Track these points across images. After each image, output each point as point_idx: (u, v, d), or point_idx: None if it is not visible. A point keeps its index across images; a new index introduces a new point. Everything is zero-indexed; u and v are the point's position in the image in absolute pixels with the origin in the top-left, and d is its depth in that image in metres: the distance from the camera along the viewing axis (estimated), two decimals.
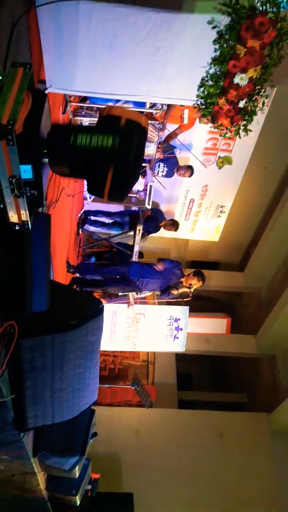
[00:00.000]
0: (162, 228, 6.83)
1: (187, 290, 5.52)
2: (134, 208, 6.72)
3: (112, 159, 2.02)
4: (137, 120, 2.13)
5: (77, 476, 4.01)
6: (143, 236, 6.57)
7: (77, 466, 3.88)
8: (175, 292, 5.64)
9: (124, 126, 2.08)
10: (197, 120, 5.39)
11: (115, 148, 1.97)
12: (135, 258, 6.38)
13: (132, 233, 6.04)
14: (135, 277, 5.63)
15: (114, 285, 5.86)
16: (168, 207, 7.08)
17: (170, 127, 5.65)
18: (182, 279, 5.59)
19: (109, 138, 1.97)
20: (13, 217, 2.00)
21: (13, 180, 1.84)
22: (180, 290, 5.62)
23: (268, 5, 2.70)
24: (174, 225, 6.68)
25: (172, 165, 6.19)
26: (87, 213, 6.72)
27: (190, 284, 5.45)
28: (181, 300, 5.86)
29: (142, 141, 2.25)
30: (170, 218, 6.82)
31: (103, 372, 8.88)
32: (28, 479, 3.89)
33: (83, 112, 4.82)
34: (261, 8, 2.72)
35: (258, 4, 2.72)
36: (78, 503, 4.58)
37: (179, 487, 7.47)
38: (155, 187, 6.06)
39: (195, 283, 5.45)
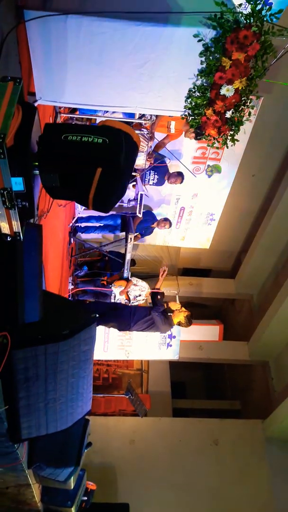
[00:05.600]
0: (155, 230, 6.89)
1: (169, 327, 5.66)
2: (126, 211, 6.79)
3: (101, 160, 2.06)
4: (129, 133, 2.19)
5: (72, 487, 3.98)
6: (136, 238, 6.63)
7: (72, 477, 3.85)
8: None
9: (116, 132, 2.14)
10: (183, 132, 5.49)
11: (105, 144, 2.01)
12: (127, 266, 6.41)
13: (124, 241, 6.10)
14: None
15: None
16: (160, 210, 7.14)
17: (158, 136, 5.72)
18: (172, 315, 5.61)
19: (99, 138, 2.02)
20: (4, 229, 2.02)
21: (5, 192, 1.86)
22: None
23: (252, 19, 2.78)
24: (167, 221, 6.73)
25: (163, 174, 6.26)
26: (79, 220, 6.76)
27: (179, 322, 5.55)
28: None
29: (132, 152, 2.29)
30: (162, 217, 6.86)
31: (96, 382, 8.85)
32: (22, 491, 3.85)
33: (73, 123, 4.87)
34: (245, 21, 2.79)
35: (242, 18, 2.80)
36: None
37: (174, 496, 7.42)
38: (146, 194, 6.14)
39: (183, 323, 5.58)
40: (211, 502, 7.46)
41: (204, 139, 3.47)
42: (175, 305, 5.74)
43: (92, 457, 6.93)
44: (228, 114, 3.16)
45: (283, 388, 8.36)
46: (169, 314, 5.59)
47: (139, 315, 5.62)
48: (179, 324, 5.58)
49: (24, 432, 2.93)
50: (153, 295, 5.87)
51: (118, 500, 7.12)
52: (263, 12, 2.77)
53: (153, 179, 6.30)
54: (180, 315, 5.51)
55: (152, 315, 5.50)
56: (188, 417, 9.23)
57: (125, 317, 5.67)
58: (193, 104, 3.21)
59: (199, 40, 2.89)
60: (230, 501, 7.51)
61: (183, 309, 5.64)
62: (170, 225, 6.80)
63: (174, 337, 7.41)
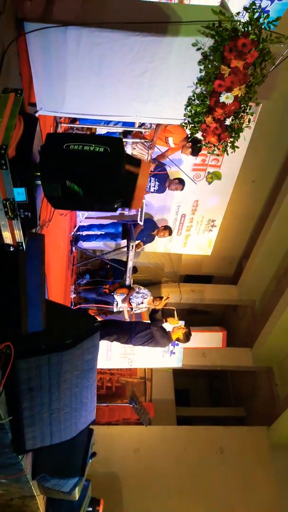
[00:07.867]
0: (156, 237, 6.90)
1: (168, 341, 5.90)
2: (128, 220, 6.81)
3: (103, 169, 2.08)
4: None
5: (77, 498, 3.95)
6: (139, 246, 6.68)
7: (77, 488, 3.82)
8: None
9: (117, 141, 2.17)
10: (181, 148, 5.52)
11: (106, 153, 2.04)
12: (129, 274, 6.42)
13: (125, 249, 6.14)
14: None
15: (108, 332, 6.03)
16: (161, 218, 7.14)
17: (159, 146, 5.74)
18: (171, 331, 5.87)
19: (100, 147, 2.04)
20: (7, 239, 2.03)
21: (7, 203, 1.87)
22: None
23: (250, 27, 2.80)
24: (167, 229, 6.75)
25: (163, 181, 6.27)
26: (80, 229, 6.77)
27: (178, 338, 5.78)
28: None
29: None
30: (162, 225, 6.88)
31: (100, 391, 8.80)
32: (27, 503, 3.82)
33: (73, 133, 4.90)
34: (243, 29, 2.81)
35: (240, 26, 2.82)
36: None
37: (180, 505, 7.35)
38: (147, 201, 6.16)
39: (181, 339, 5.82)
40: (218, 510, 7.38)
41: (205, 147, 3.48)
42: (173, 321, 5.86)
43: (97, 467, 6.86)
44: (228, 121, 3.17)
45: (287, 394, 8.30)
46: (168, 330, 5.80)
47: (140, 328, 5.81)
48: (178, 340, 5.77)
49: (28, 443, 2.91)
50: (151, 312, 5.98)
51: (124, 510, 7.05)
52: (261, 20, 2.79)
53: (154, 186, 6.31)
54: (178, 332, 5.71)
55: (152, 329, 5.63)
56: (192, 425, 9.15)
57: (127, 330, 5.80)
58: (193, 112, 3.23)
59: (198, 49, 2.91)
60: (236, 509, 7.42)
61: (182, 325, 5.79)
62: (170, 233, 6.81)
63: (178, 344, 7.38)
